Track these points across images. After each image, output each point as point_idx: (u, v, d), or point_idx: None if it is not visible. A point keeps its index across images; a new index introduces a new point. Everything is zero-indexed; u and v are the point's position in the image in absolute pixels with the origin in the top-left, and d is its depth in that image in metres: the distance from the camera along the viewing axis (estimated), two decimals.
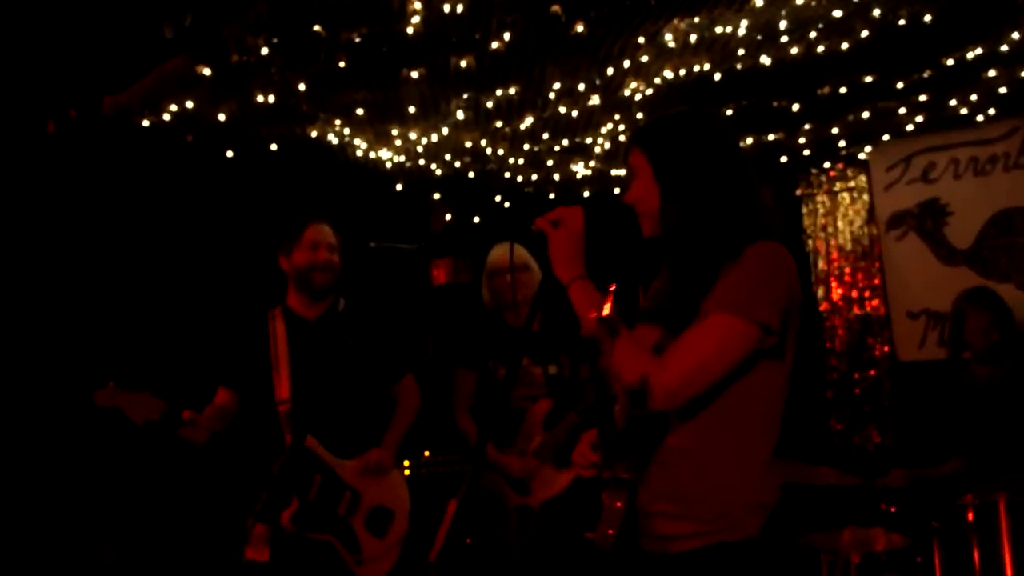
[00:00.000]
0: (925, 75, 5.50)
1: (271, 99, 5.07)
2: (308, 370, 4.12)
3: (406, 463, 5.99)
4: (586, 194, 6.74)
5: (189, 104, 5.03)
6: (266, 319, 4.23)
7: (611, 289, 2.29)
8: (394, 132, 5.77)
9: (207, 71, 4.65)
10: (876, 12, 4.58)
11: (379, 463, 4.13)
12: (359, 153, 6.04)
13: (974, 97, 5.88)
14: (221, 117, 5.23)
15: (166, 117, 5.14)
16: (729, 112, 5.64)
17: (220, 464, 4.37)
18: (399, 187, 6.49)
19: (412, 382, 4.46)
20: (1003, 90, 5.76)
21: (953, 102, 5.98)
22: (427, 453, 6.20)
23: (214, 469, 5.03)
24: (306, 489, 3.93)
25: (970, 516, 4.25)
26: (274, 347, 4.13)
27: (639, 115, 5.49)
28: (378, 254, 5.23)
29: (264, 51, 4.57)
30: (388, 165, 6.27)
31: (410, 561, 4.20)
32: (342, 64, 4.74)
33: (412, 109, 5.37)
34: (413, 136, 5.80)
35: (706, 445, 2.30)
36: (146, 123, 5.17)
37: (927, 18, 4.74)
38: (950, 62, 5.34)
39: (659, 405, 2.21)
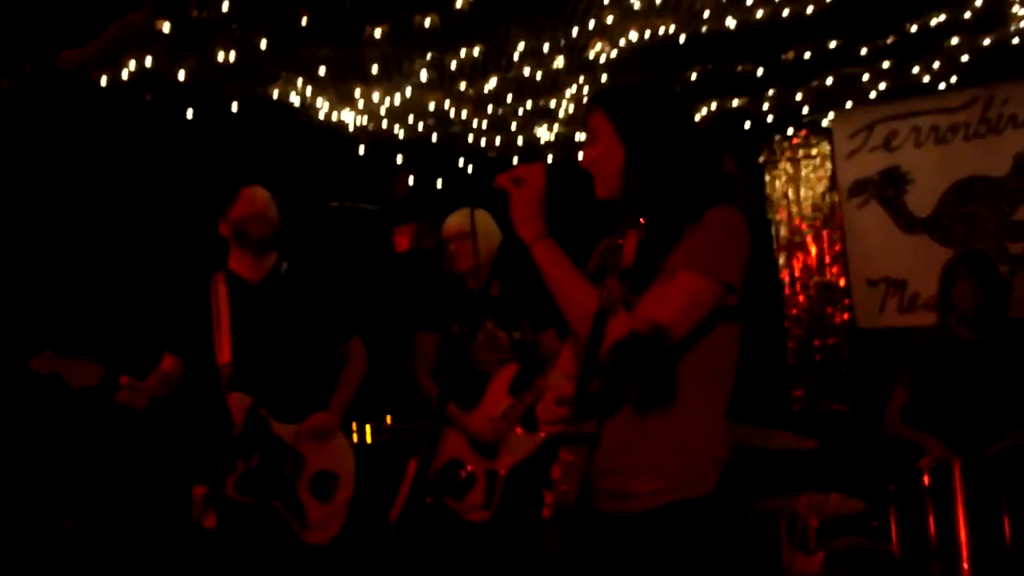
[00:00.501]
0: (888, 41, 5.52)
1: (232, 57, 4.98)
2: (250, 333, 4.07)
3: (368, 427, 5.98)
4: (550, 158, 6.71)
5: (148, 61, 4.93)
6: (208, 283, 4.18)
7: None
8: (357, 93, 5.70)
9: (167, 26, 4.56)
10: None
11: (323, 427, 4.11)
12: (321, 115, 5.97)
13: (936, 65, 5.91)
14: (181, 75, 5.13)
15: (124, 75, 5.03)
16: (694, 76, 5.63)
17: (164, 429, 4.33)
18: (362, 150, 6.42)
19: (359, 344, 4.43)
20: (965, 58, 5.79)
21: (916, 70, 6.01)
22: (389, 419, 6.19)
23: (159, 434, 5.00)
24: (249, 454, 3.89)
25: (926, 480, 4.28)
26: (216, 311, 4.09)
27: (603, 77, 5.46)
28: (340, 214, 5.17)
29: (225, 6, 4.48)
30: (351, 127, 6.20)
31: (367, 523, 4.19)
32: (304, 21, 4.67)
33: (375, 69, 5.30)
34: (376, 97, 5.73)
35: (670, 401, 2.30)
36: (104, 81, 5.07)
37: None
38: (913, 28, 5.35)
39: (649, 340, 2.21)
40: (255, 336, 4.06)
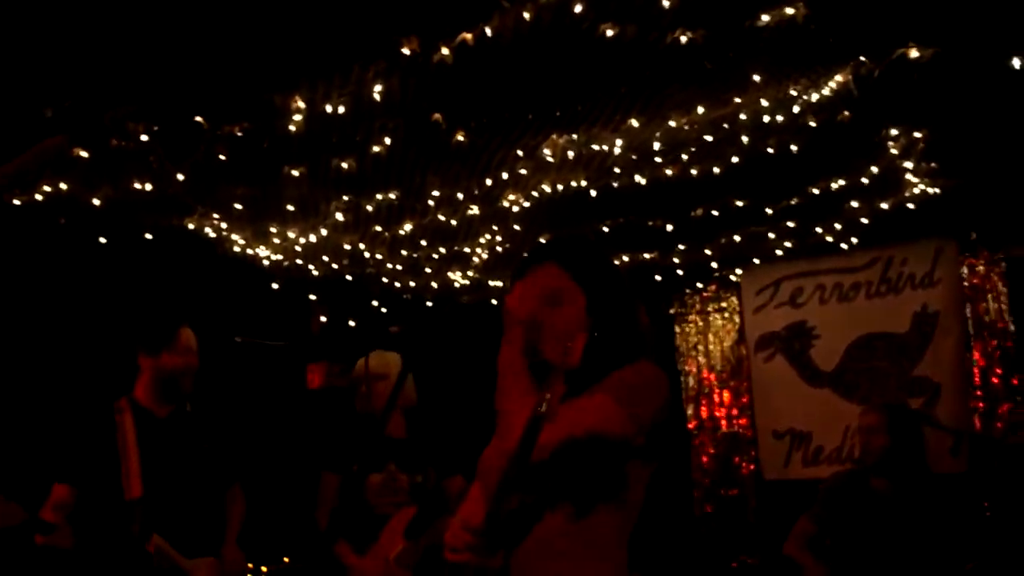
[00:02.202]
0: (792, 202, 5.73)
1: (148, 187, 5.00)
2: (158, 467, 4.00)
3: (264, 568, 5.82)
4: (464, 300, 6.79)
5: (64, 186, 4.93)
6: (112, 411, 4.10)
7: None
8: (273, 230, 5.73)
9: (84, 154, 4.58)
10: (745, 139, 4.77)
11: (236, 562, 4.07)
12: (236, 248, 5.98)
13: (838, 226, 6.15)
14: (96, 202, 5.13)
15: (39, 197, 5.01)
16: (605, 229, 5.77)
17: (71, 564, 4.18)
18: (275, 285, 6.42)
19: (239, 491, 4.42)
20: (864, 220, 6.03)
21: (819, 230, 6.23)
22: (287, 559, 6.05)
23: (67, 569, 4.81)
24: None
25: None
26: (122, 442, 4.00)
27: (516, 227, 5.57)
28: (245, 349, 5.15)
29: (144, 138, 4.51)
30: (266, 263, 6.21)
31: None
32: (222, 157, 4.71)
33: (291, 208, 5.35)
34: (292, 235, 5.77)
35: (577, 537, 2.28)
36: (17, 202, 5.04)
37: (793, 148, 4.95)
38: (815, 191, 5.58)
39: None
40: (164, 471, 3.99)
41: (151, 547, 3.81)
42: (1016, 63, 3.92)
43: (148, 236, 5.64)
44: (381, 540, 4.55)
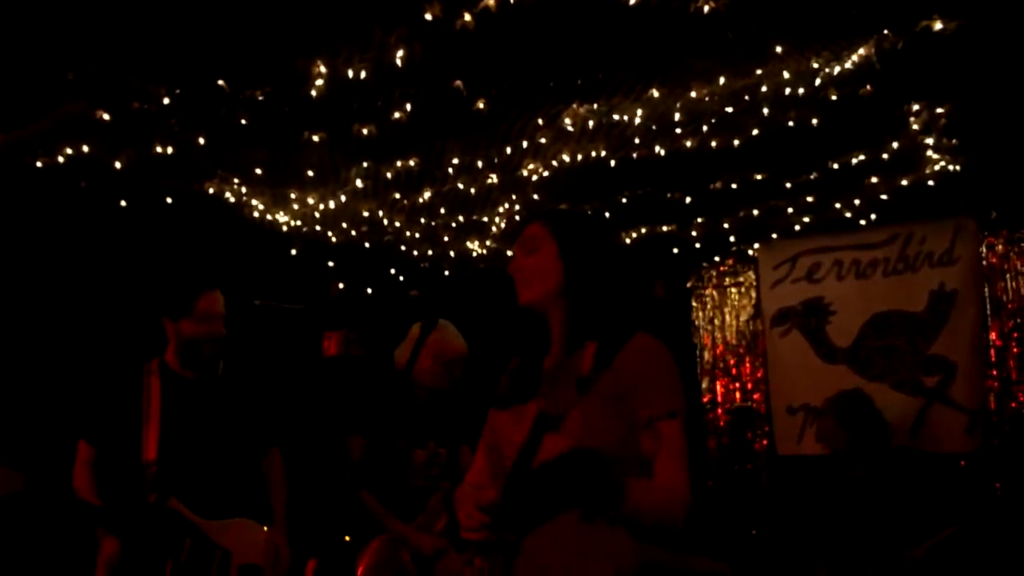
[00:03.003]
0: (812, 177, 5.72)
1: (169, 150, 5.03)
2: (181, 430, 4.02)
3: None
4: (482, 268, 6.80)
5: (85, 149, 4.96)
6: (141, 373, 4.13)
7: None
8: (292, 195, 5.76)
9: (106, 116, 4.61)
10: (766, 111, 4.76)
11: (280, 550, 4.11)
12: (256, 213, 6.01)
13: (857, 202, 6.13)
14: (117, 165, 5.16)
15: (60, 160, 5.05)
16: (624, 200, 5.77)
17: (86, 524, 4.22)
18: (294, 251, 6.45)
19: (279, 457, 4.41)
20: (884, 197, 6.01)
21: (838, 205, 6.22)
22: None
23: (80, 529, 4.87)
24: (177, 552, 3.84)
25: None
26: (147, 404, 4.03)
27: (535, 196, 5.58)
28: (264, 312, 5.17)
29: (165, 101, 4.54)
30: (284, 228, 6.24)
31: None
32: (243, 122, 4.73)
33: (311, 173, 5.37)
34: (311, 201, 5.80)
35: (587, 535, 2.33)
36: (39, 164, 5.08)
37: (814, 121, 4.94)
38: (835, 166, 5.56)
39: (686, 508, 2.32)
40: (187, 433, 4.01)
41: (161, 507, 3.85)
42: None
43: (169, 200, 5.67)
44: (427, 513, 4.56)
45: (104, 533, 3.96)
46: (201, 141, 4.92)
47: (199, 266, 5.27)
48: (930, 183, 5.83)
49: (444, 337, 4.61)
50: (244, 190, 5.68)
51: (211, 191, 5.65)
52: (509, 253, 6.86)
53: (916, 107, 4.99)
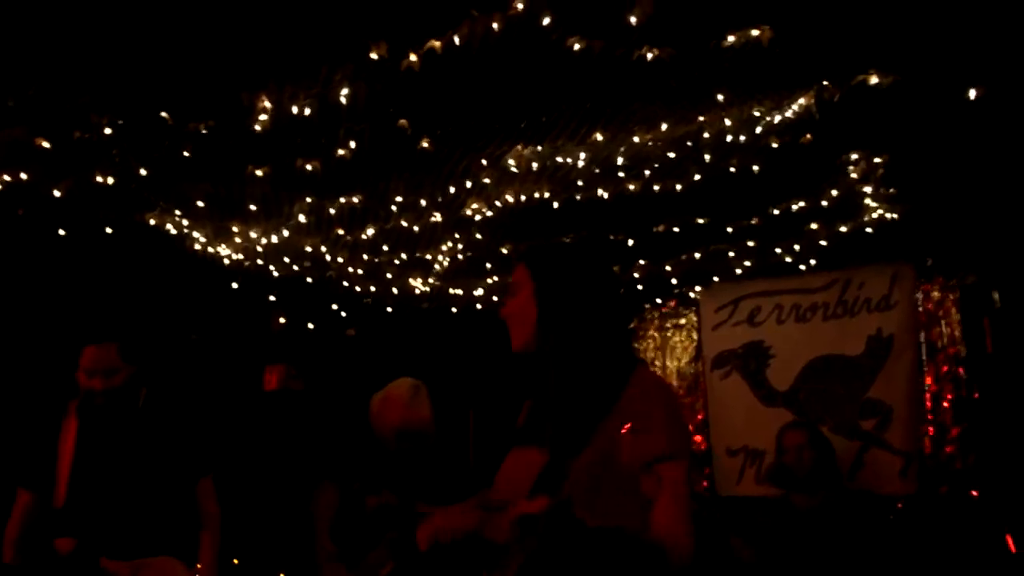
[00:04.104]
0: (753, 222, 5.79)
1: (111, 181, 4.97)
2: (93, 470, 3.95)
3: None
4: (424, 308, 6.80)
5: (24, 176, 4.89)
6: (61, 412, 4.05)
7: None
8: (235, 229, 5.72)
9: (46, 144, 4.55)
10: (708, 157, 4.82)
11: None
12: (197, 246, 5.96)
13: (797, 247, 6.21)
14: (57, 193, 5.09)
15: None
16: (566, 241, 5.79)
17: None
18: (235, 285, 6.40)
19: (210, 487, 4.32)
20: (823, 243, 6.09)
21: (778, 250, 6.30)
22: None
23: None
24: None
25: None
26: (62, 445, 3.96)
27: (478, 235, 5.59)
28: (201, 347, 5.11)
29: (107, 131, 4.49)
30: (226, 261, 6.19)
31: None
32: (186, 154, 4.70)
33: (254, 207, 5.34)
34: (253, 235, 5.76)
35: None
36: None
37: (755, 168, 5.01)
38: (776, 212, 5.64)
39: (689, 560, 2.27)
40: (98, 473, 3.93)
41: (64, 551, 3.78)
42: (972, 94, 4.00)
43: (109, 230, 5.60)
44: (368, 561, 4.51)
45: None
46: (143, 172, 4.87)
47: (137, 291, 5.20)
48: (868, 230, 5.93)
49: (411, 405, 4.53)
50: (186, 223, 5.63)
51: (152, 223, 5.59)
52: (460, 292, 6.88)
53: (855, 156, 5.09)
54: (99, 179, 4.94)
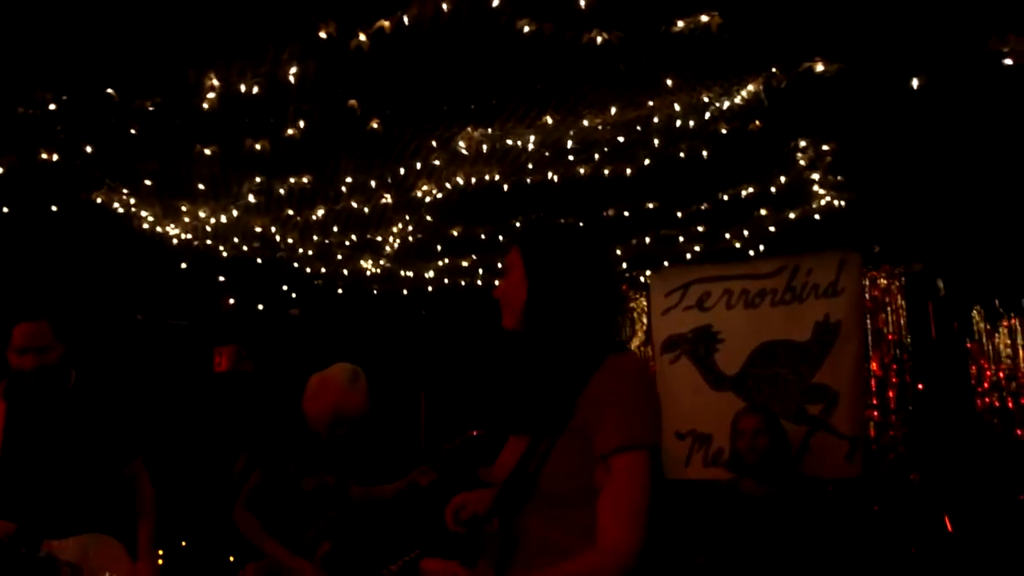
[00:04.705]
0: (703, 208, 5.83)
1: (55, 158, 4.90)
2: (21, 450, 3.92)
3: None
4: (375, 291, 6.78)
5: None
6: None
7: None
8: (183, 208, 5.67)
9: None
10: (657, 143, 4.84)
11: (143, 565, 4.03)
12: (145, 225, 5.90)
13: (746, 233, 6.26)
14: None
15: None
16: (516, 224, 5.80)
17: None
18: (184, 265, 6.34)
19: (142, 467, 4.29)
20: (772, 229, 6.15)
21: (728, 236, 6.34)
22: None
23: None
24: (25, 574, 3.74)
25: None
26: None
27: (428, 217, 5.58)
28: (147, 327, 5.07)
29: (52, 107, 4.43)
30: (175, 241, 6.14)
31: None
32: (133, 132, 4.64)
33: (202, 187, 5.29)
34: (202, 214, 5.71)
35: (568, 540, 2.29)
36: None
37: (704, 154, 5.04)
38: (725, 198, 5.68)
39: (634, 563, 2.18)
40: (26, 454, 3.91)
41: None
42: (915, 83, 4.04)
43: (54, 208, 5.53)
44: (308, 540, 4.50)
45: None
46: (88, 149, 4.81)
47: (82, 271, 5.14)
48: (816, 217, 5.99)
49: (347, 391, 4.47)
50: (133, 201, 5.57)
51: (99, 201, 5.52)
52: (411, 274, 6.86)
53: (803, 143, 5.13)
54: (43, 156, 4.87)
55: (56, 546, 3.87)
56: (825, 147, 5.15)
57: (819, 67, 4.01)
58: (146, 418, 4.39)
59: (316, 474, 4.50)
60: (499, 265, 2.30)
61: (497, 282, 2.57)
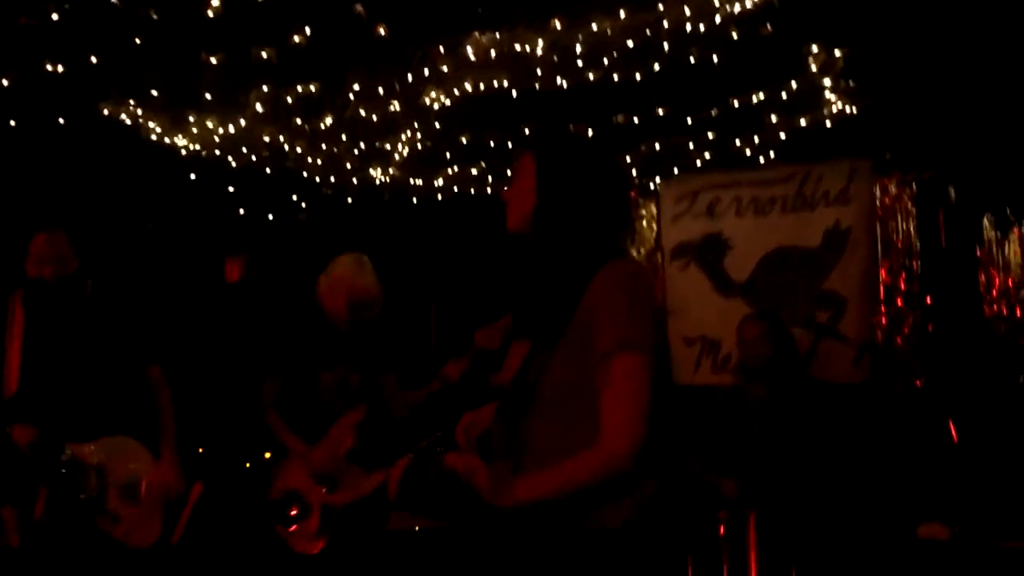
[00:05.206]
0: (713, 113, 5.78)
1: (60, 69, 4.88)
2: (42, 357, 3.98)
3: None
4: (384, 199, 6.77)
5: None
6: (3, 302, 4.07)
7: None
8: (190, 119, 5.65)
9: None
10: (666, 46, 4.79)
11: (173, 488, 4.11)
12: (153, 137, 5.88)
13: (757, 140, 6.22)
14: (4, 83, 4.99)
15: None
16: (526, 131, 5.77)
17: None
18: (193, 176, 6.34)
19: (160, 374, 4.35)
20: (783, 136, 6.10)
21: (738, 142, 6.30)
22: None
23: None
24: (50, 479, 3.81)
25: (721, 530, 4.46)
26: (9, 335, 3.99)
27: (437, 124, 5.55)
28: (158, 237, 5.09)
29: (55, 16, 4.39)
30: (183, 152, 6.12)
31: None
32: (138, 41, 4.61)
33: (209, 96, 5.26)
34: (210, 125, 5.69)
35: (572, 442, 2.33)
36: None
37: (715, 59, 4.98)
38: (736, 104, 5.63)
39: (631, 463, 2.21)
40: (47, 360, 3.97)
41: (23, 440, 3.82)
42: None
43: (61, 120, 5.52)
44: (331, 435, 4.58)
45: None
46: (93, 60, 4.78)
47: (91, 182, 5.14)
48: (827, 124, 5.94)
49: (356, 278, 4.58)
50: (140, 112, 5.55)
51: (106, 112, 5.50)
52: (420, 183, 6.86)
53: (815, 48, 5.07)
54: (48, 67, 4.84)
55: (78, 449, 3.94)
56: (837, 52, 5.09)
57: None
58: (162, 325, 4.44)
59: (334, 368, 4.57)
60: (508, 172, 2.29)
61: (506, 187, 2.55)
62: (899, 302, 6.48)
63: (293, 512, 4.48)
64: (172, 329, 5.20)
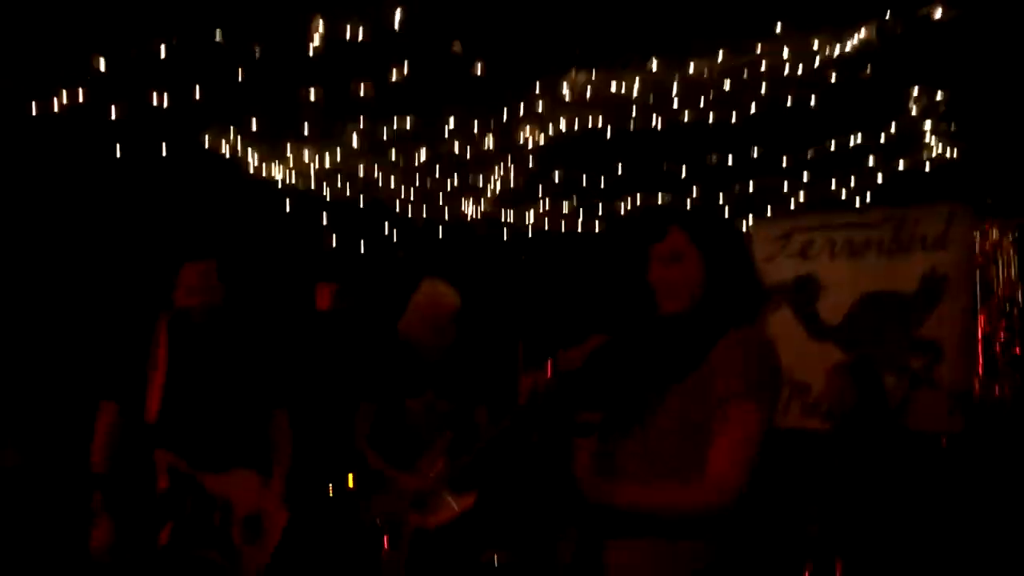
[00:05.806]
0: (809, 155, 5.71)
1: (165, 101, 5.01)
2: (186, 384, 4.03)
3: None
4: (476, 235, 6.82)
5: (81, 97, 4.94)
6: (152, 327, 4.13)
7: None
8: (287, 151, 5.75)
9: (101, 62, 4.58)
10: (763, 89, 4.75)
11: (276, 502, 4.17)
12: (251, 169, 6.00)
13: (853, 182, 6.12)
14: (113, 114, 5.14)
15: (56, 107, 5.02)
16: (619, 170, 5.77)
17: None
18: (288, 207, 6.44)
19: (285, 420, 4.39)
20: (880, 179, 6.00)
21: (834, 184, 6.21)
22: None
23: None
24: (179, 511, 3.86)
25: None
26: (154, 358, 4.04)
27: (530, 161, 5.57)
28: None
29: (162, 51, 4.52)
30: (279, 184, 6.23)
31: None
32: (240, 74, 4.72)
33: (307, 130, 5.36)
34: (306, 157, 5.79)
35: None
36: (35, 110, 5.05)
37: (812, 101, 4.93)
38: (833, 146, 5.56)
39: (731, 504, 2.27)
40: (191, 388, 4.01)
41: (162, 466, 3.87)
42: None
43: (164, 151, 5.65)
44: (423, 461, 4.60)
45: (99, 513, 3.98)
46: (197, 94, 4.90)
47: (190, 237, 5.24)
48: (927, 168, 5.83)
49: (432, 297, 4.65)
50: (239, 143, 5.66)
51: (207, 144, 5.63)
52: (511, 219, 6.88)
53: (916, 91, 4.99)
54: (154, 99, 4.97)
55: (210, 481, 3.99)
56: (939, 95, 5.00)
57: (937, 13, 3.88)
58: (288, 361, 4.49)
59: (422, 395, 4.58)
60: (653, 247, 2.27)
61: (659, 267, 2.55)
62: (997, 351, 6.31)
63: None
64: (303, 364, 5.26)
